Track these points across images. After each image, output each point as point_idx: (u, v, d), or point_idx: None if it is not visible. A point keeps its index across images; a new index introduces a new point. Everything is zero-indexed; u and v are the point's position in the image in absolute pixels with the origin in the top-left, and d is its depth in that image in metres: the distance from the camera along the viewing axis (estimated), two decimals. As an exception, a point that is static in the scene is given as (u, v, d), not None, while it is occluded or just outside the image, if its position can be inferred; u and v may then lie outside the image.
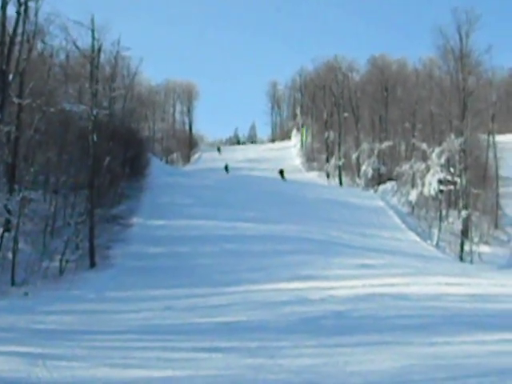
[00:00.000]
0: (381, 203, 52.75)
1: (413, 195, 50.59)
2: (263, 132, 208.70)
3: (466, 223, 46.66)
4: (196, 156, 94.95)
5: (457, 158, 49.68)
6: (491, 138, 57.85)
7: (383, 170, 62.53)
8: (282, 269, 26.01)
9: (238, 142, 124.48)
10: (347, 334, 13.65)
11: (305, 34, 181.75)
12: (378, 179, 61.67)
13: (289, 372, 10.54)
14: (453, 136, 49.46)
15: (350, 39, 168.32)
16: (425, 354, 11.54)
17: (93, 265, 29.47)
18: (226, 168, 66.72)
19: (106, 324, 15.79)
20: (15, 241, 25.87)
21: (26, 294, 21.90)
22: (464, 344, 12.24)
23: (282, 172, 64.31)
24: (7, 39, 25.49)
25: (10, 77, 26.70)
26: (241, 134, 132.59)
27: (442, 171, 48.43)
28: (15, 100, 31.68)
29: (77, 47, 36.59)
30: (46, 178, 36.90)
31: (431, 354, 11.45)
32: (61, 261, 27.55)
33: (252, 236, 35.36)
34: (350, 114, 71.07)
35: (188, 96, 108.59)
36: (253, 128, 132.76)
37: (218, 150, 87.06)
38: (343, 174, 68.25)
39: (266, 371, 10.60)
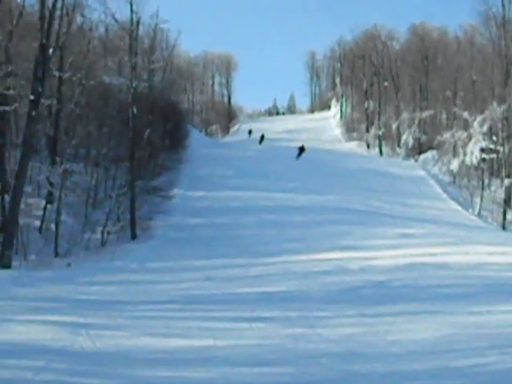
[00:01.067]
0: (422, 173, 52.21)
1: (454, 164, 49.91)
2: (302, 102, 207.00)
3: (509, 192, 45.98)
4: (235, 127, 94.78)
5: (499, 126, 48.86)
6: (535, 105, 56.77)
7: (424, 139, 61.68)
8: (322, 239, 26.02)
9: (277, 113, 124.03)
10: (388, 304, 13.61)
11: (343, 3, 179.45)
12: (419, 148, 60.90)
13: (329, 341, 10.56)
14: (495, 104, 48.58)
15: (389, 7, 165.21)
16: (467, 323, 11.50)
17: (134, 236, 29.79)
18: (262, 138, 65.25)
19: (147, 294, 15.93)
20: (58, 213, 26.29)
21: (68, 264, 22.20)
22: (506, 313, 12.13)
23: (301, 149, 55.20)
24: (47, 13, 25.54)
25: (51, 51, 26.81)
26: (280, 105, 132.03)
27: (484, 140, 47.70)
28: (56, 73, 31.97)
29: (116, 20, 36.83)
30: (87, 151, 37.30)
31: (473, 323, 11.40)
32: (102, 232, 27.95)
33: (292, 207, 35.33)
34: (390, 84, 70.20)
35: (226, 67, 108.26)
36: (292, 98, 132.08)
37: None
38: (383, 143, 67.52)
39: (306, 341, 10.64)
